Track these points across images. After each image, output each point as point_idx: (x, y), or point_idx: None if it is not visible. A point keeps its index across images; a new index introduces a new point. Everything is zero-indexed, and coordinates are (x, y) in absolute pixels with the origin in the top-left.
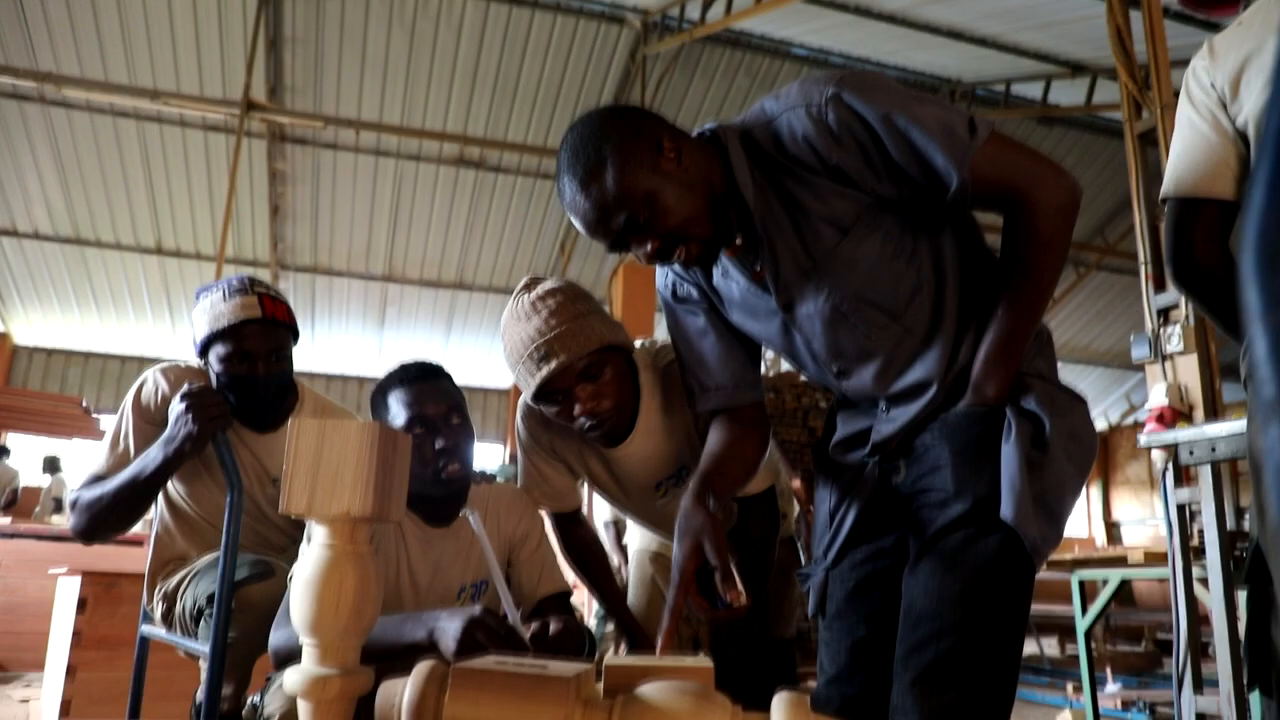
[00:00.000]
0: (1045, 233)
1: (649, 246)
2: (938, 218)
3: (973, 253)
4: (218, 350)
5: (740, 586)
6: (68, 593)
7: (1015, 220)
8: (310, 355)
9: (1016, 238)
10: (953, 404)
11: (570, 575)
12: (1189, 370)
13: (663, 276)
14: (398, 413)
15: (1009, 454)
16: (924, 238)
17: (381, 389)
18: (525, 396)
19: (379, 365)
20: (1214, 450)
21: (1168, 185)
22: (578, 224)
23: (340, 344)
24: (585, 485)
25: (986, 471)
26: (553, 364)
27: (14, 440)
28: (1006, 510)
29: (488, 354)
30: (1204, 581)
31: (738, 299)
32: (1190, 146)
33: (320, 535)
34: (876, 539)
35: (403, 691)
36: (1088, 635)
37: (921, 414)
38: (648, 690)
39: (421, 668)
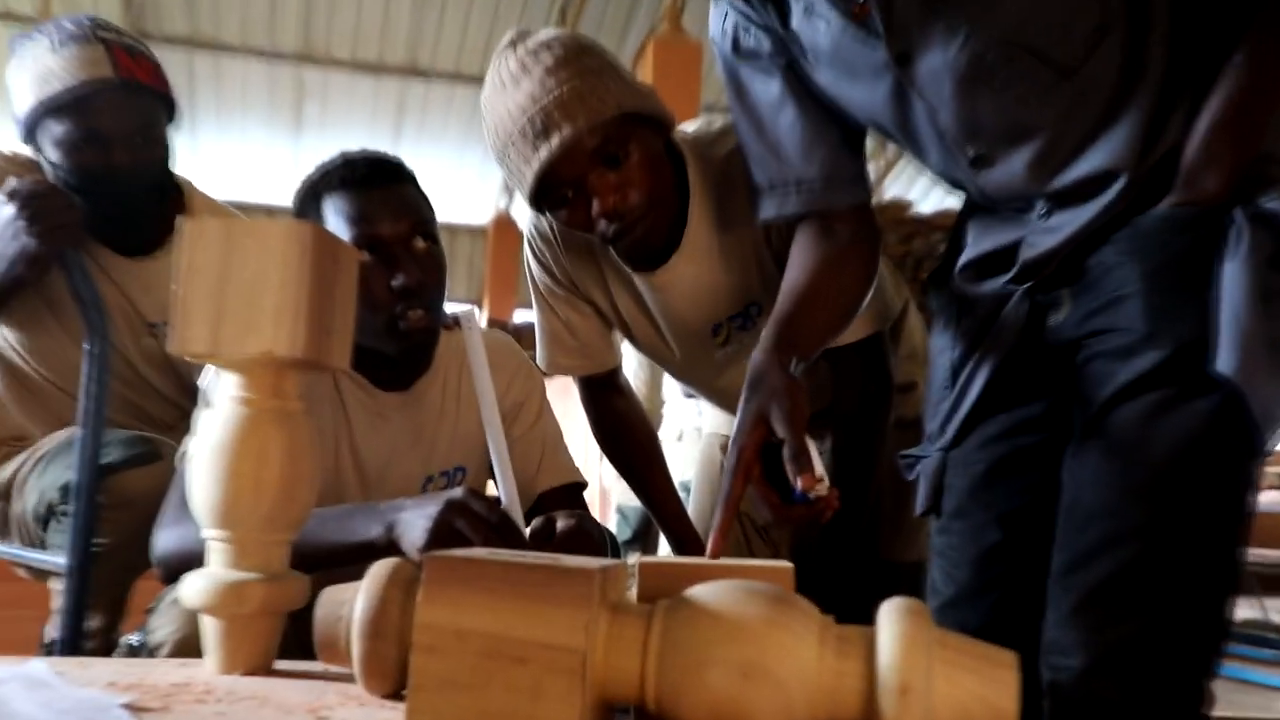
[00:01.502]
0: None
1: None
2: None
3: None
4: (52, 130)
5: (821, 470)
6: None
7: None
8: (190, 171)
9: None
10: (1149, 205)
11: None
12: None
13: (719, 20)
14: (336, 229)
15: (1233, 277)
16: None
17: (312, 192)
18: (524, 196)
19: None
20: None
21: None
22: None
23: (235, 156)
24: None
25: (1195, 304)
26: (554, 140)
27: None
28: (1225, 360)
29: (455, 172)
30: None
31: (828, 50)
32: None
33: (231, 387)
34: (1020, 405)
35: (353, 600)
36: None
37: (1099, 220)
38: (702, 592)
39: (381, 566)
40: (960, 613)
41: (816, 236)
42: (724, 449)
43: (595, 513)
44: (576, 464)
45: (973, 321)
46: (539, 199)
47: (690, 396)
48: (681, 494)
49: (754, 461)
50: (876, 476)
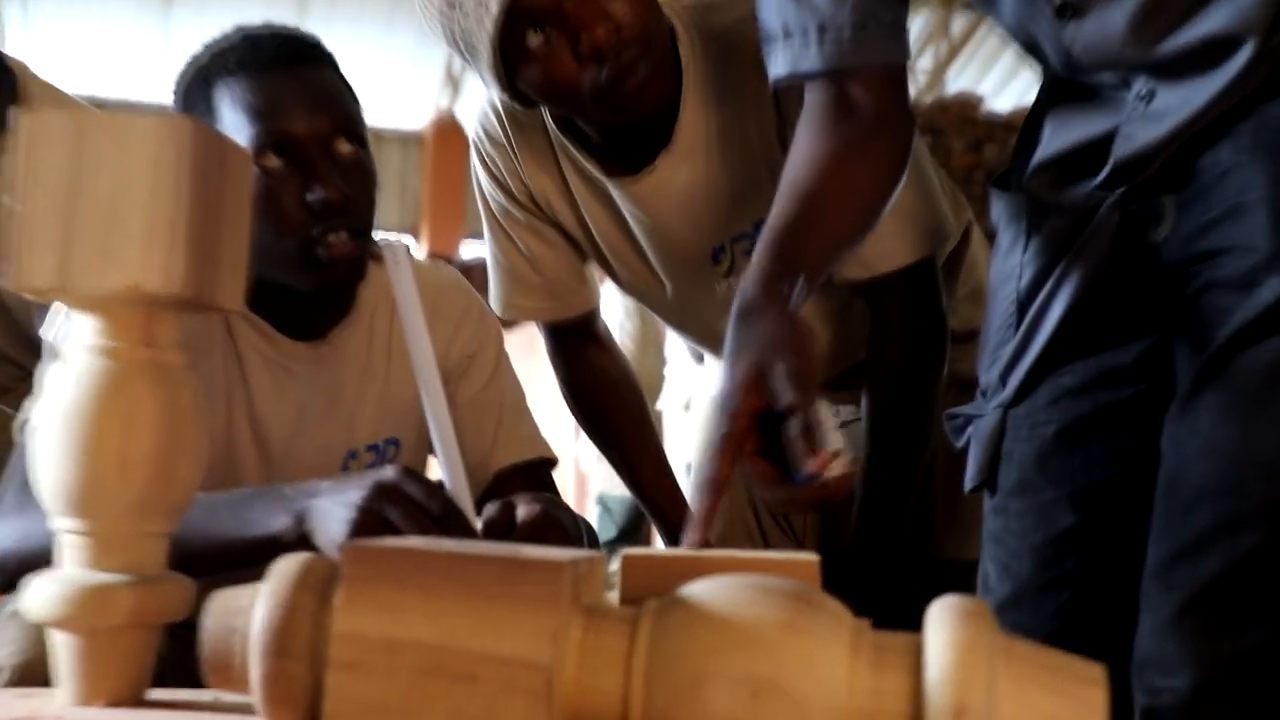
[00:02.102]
0: None
1: None
2: None
3: None
4: None
5: (837, 442)
6: None
7: None
8: (26, 56)
9: None
10: None
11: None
12: None
13: None
14: (234, 126)
15: None
16: None
17: (200, 78)
18: (485, 48)
19: (166, 76)
20: None
21: None
22: None
23: (83, 37)
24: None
25: None
26: None
27: None
28: None
29: (379, 59)
30: None
31: None
32: None
33: (87, 334)
34: (1107, 349)
35: (251, 608)
36: None
37: (1217, 105)
38: (701, 591)
39: (288, 564)
40: (1020, 615)
41: (832, 112)
42: None
43: (570, 504)
44: (544, 437)
45: (1048, 239)
46: (505, 47)
47: (700, 360)
48: (684, 478)
49: (748, 434)
50: (926, 450)
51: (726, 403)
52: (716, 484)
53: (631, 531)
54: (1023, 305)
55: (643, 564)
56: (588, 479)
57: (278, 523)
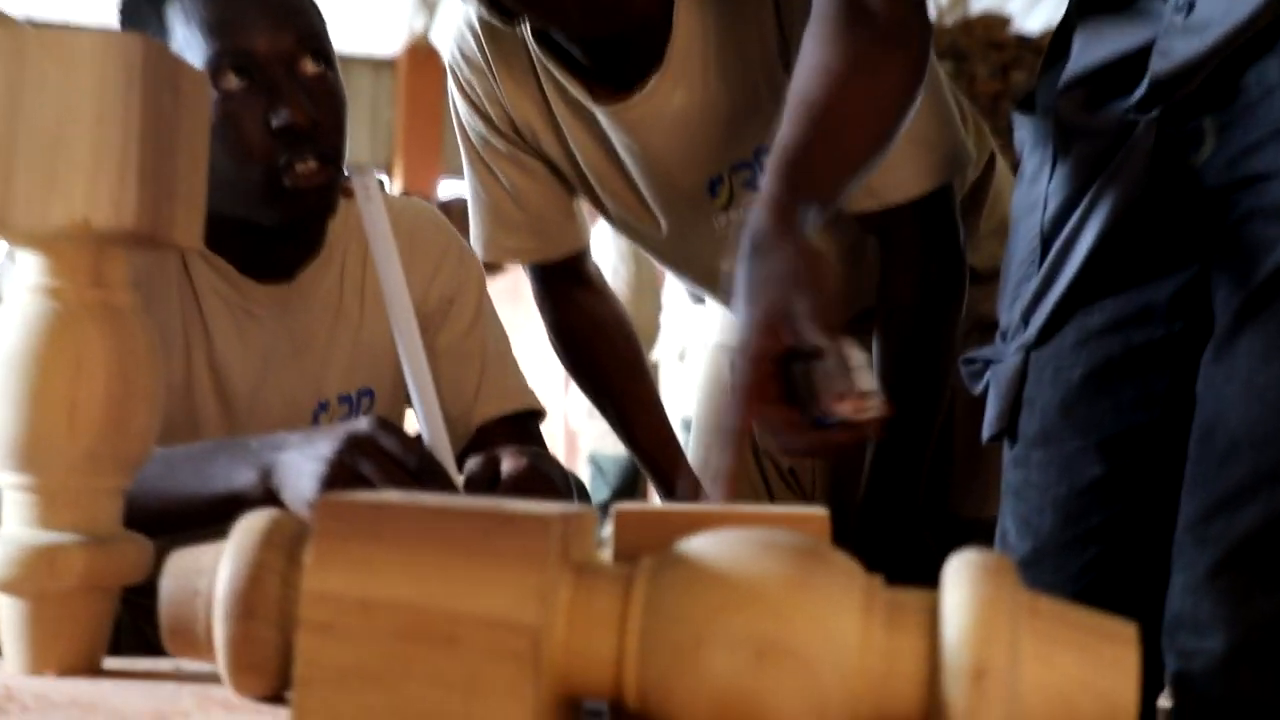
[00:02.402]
0: None
1: None
2: None
3: None
4: None
5: (869, 383)
6: None
7: None
8: None
9: None
10: None
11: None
12: None
13: None
14: (188, 44)
15: None
16: None
17: None
18: None
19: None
20: None
21: None
22: None
23: None
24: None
25: None
26: None
27: None
28: None
29: None
30: None
31: None
32: None
33: (30, 273)
34: (1139, 285)
35: (214, 568)
36: None
37: (1262, 15)
38: (701, 546)
39: (253, 520)
40: (1041, 574)
41: (844, 17)
42: (733, 365)
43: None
44: (531, 387)
45: (1077, 164)
46: None
47: (700, 301)
48: (682, 434)
49: (771, 379)
50: (943, 397)
51: (745, 347)
52: (740, 435)
53: (626, 493)
54: (1047, 238)
55: (638, 519)
56: (578, 436)
57: (242, 478)
